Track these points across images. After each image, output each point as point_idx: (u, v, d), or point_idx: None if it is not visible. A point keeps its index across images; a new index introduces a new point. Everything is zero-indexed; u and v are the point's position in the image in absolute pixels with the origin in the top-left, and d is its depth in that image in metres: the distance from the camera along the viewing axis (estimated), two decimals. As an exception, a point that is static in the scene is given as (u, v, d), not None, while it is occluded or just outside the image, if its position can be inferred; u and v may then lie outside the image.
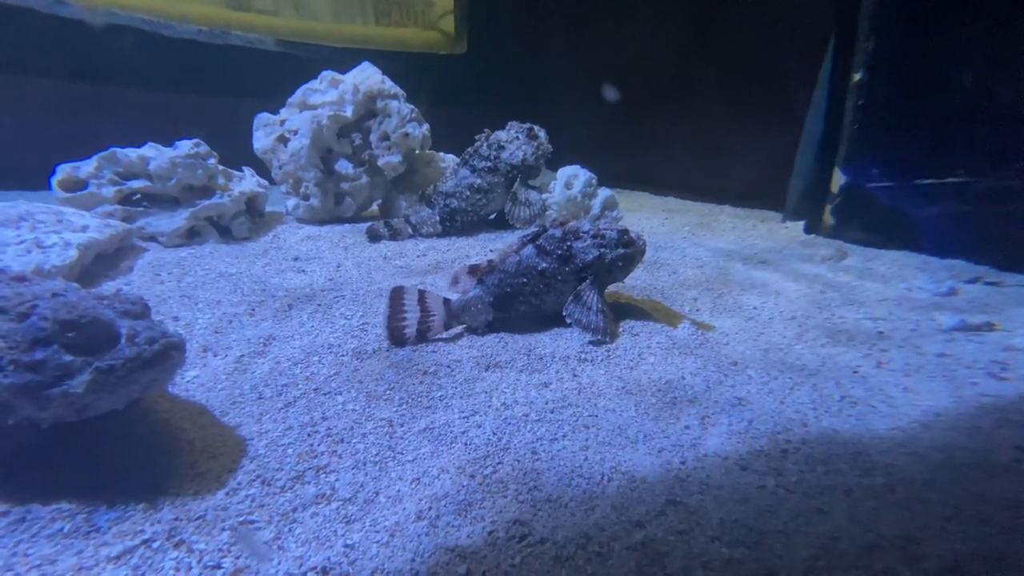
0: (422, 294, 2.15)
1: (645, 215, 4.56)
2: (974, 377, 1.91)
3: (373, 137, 3.77)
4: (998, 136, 3.15)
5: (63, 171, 3.07)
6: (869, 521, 1.24)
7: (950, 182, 3.34)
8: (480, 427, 1.62)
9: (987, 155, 3.20)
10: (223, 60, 4.93)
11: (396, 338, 2.09)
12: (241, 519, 1.29)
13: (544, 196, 3.77)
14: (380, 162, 3.75)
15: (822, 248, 3.48)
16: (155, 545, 1.21)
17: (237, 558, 1.19)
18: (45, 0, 4.09)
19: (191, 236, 3.20)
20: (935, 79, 3.31)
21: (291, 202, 3.73)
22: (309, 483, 1.42)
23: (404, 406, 1.74)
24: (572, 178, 3.90)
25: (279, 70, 4.56)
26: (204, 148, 3.28)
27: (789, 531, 1.22)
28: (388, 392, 1.81)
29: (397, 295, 2.12)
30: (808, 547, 1.17)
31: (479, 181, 3.64)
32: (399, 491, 1.39)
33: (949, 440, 1.54)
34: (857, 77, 3.51)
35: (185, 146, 3.21)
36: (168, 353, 1.40)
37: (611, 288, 2.43)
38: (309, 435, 1.59)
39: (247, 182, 3.45)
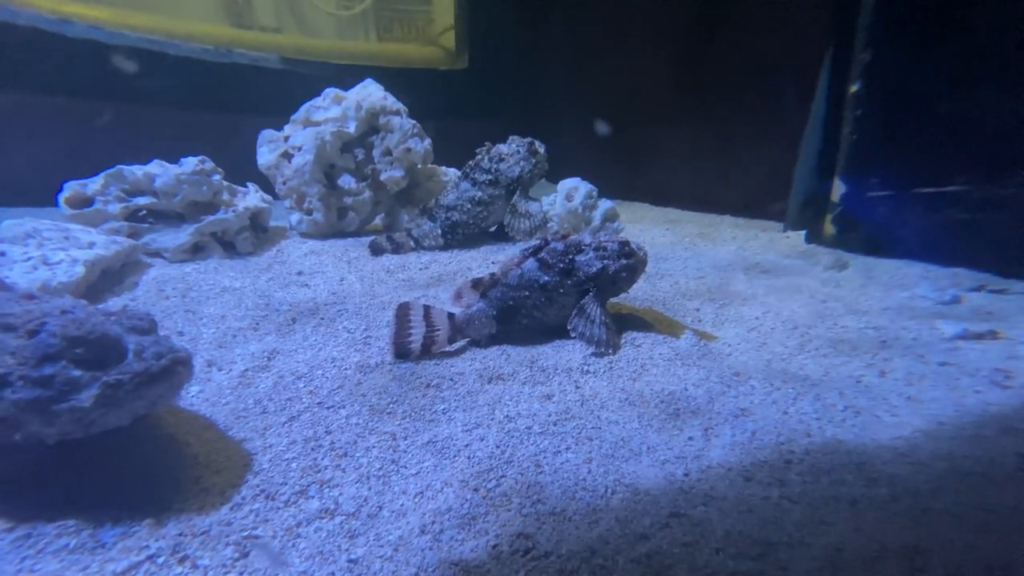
0: (427, 309, 2.17)
1: (646, 226, 4.58)
2: (977, 386, 1.91)
3: (376, 152, 3.81)
4: (997, 144, 3.17)
5: (70, 188, 3.11)
6: (874, 531, 1.24)
7: (951, 190, 3.35)
8: (483, 440, 1.63)
9: (987, 163, 3.21)
10: (228, 78, 5.00)
11: (401, 353, 2.10)
12: (245, 534, 1.30)
13: (545, 208, 3.79)
14: (383, 177, 3.78)
15: (823, 257, 3.49)
16: (160, 561, 1.21)
17: (241, 573, 1.20)
18: (50, 19, 4.17)
19: (196, 251, 3.23)
20: (932, 89, 3.34)
21: (295, 217, 3.77)
22: (313, 497, 1.42)
23: (407, 419, 1.75)
24: (573, 190, 3.92)
25: (283, 87, 4.62)
26: (209, 164, 3.32)
27: (794, 542, 1.21)
28: (391, 405, 1.82)
29: (403, 311, 2.13)
30: (813, 558, 1.17)
31: (480, 194, 3.66)
32: (403, 505, 1.40)
33: (953, 449, 1.53)
34: (854, 88, 3.54)
35: (191, 163, 3.25)
36: (175, 368, 1.41)
37: (613, 299, 2.44)
38: (313, 449, 1.60)
39: (251, 197, 3.48)
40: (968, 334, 2.32)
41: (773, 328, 2.44)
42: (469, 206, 3.65)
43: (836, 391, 1.87)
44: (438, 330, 2.15)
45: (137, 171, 3.19)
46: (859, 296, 2.86)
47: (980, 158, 3.23)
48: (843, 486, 1.39)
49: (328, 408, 1.80)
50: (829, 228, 3.78)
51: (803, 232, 4.02)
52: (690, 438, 1.63)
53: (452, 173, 4.15)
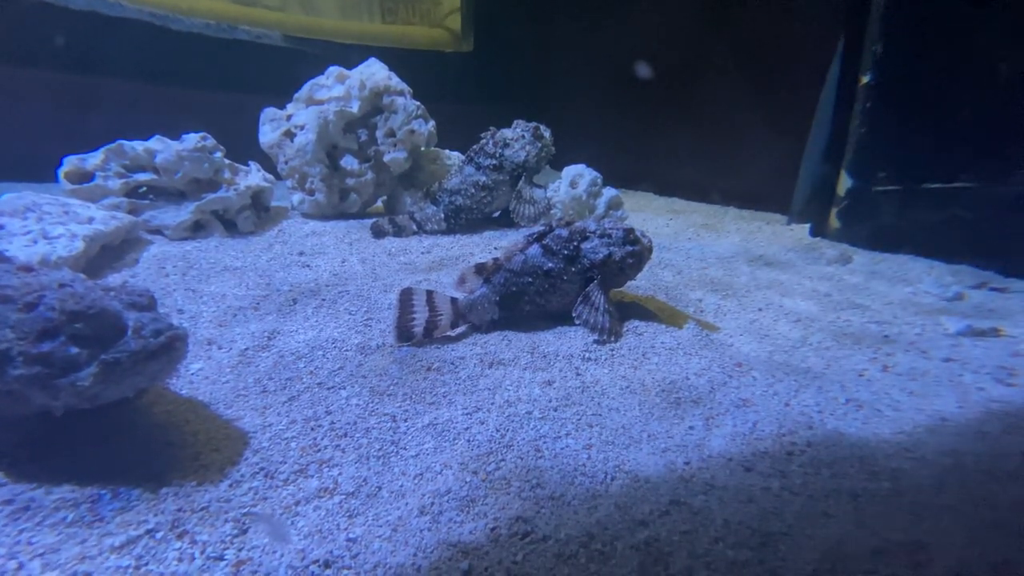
0: (430, 294, 2.15)
1: (650, 215, 4.55)
2: (981, 382, 1.90)
3: (379, 133, 3.77)
4: (1005, 141, 3.14)
5: (70, 163, 3.07)
6: (875, 525, 1.23)
7: (957, 187, 3.32)
8: (483, 424, 1.62)
9: (994, 160, 3.18)
10: (231, 54, 4.93)
11: (404, 337, 2.08)
12: (244, 511, 1.29)
13: (549, 195, 3.76)
14: (386, 158, 3.74)
15: (827, 251, 3.47)
16: (158, 535, 1.21)
17: (240, 550, 1.19)
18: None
19: (196, 229, 3.20)
20: (943, 83, 3.30)
21: (296, 197, 3.74)
22: (312, 476, 1.42)
23: (408, 402, 1.74)
24: (577, 177, 3.88)
25: (286, 65, 4.56)
26: (211, 142, 3.28)
27: (794, 534, 1.21)
28: (392, 387, 1.81)
29: (406, 296, 2.12)
30: (813, 550, 1.16)
31: (484, 179, 3.63)
32: (402, 486, 1.39)
33: (956, 445, 1.53)
34: (865, 80, 3.49)
35: (192, 139, 3.22)
36: (173, 345, 1.40)
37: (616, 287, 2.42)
38: (312, 429, 1.59)
39: (253, 176, 3.45)
40: (971, 331, 2.31)
41: (776, 320, 2.43)
42: (473, 191, 3.62)
43: (838, 384, 1.87)
44: (441, 315, 2.14)
45: (138, 146, 3.15)
46: (863, 290, 2.85)
47: (989, 154, 3.20)
48: (845, 479, 1.39)
49: (328, 389, 1.79)
50: (834, 222, 3.75)
51: (808, 225, 3.99)
52: (691, 427, 1.62)
53: (456, 157, 4.11)
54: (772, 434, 1.58)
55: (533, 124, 3.76)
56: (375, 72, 3.78)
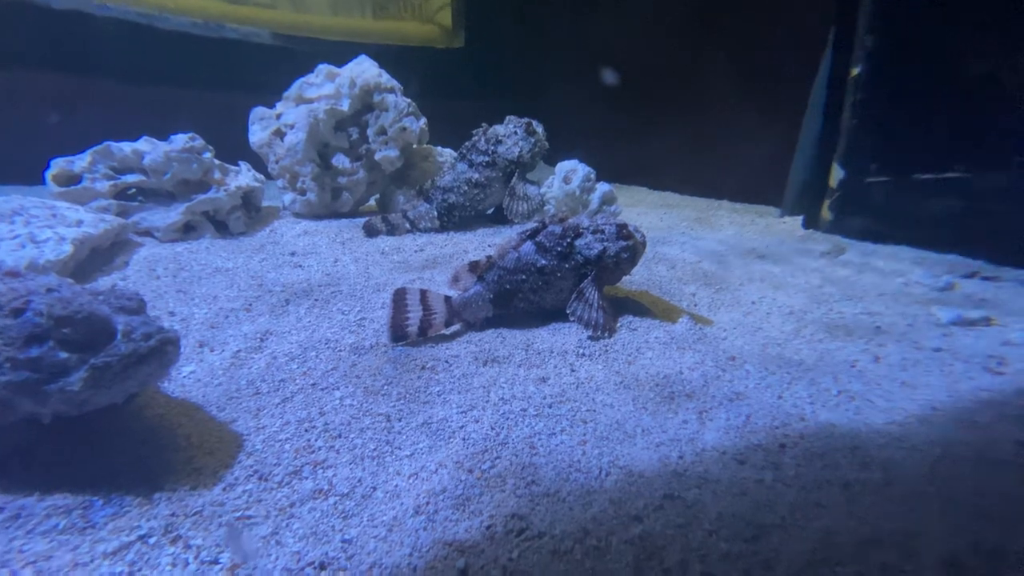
0: (424, 293, 2.15)
1: (644, 210, 4.55)
2: (971, 372, 1.92)
3: (370, 131, 3.75)
4: (996, 132, 3.15)
5: (57, 165, 3.04)
6: (867, 515, 1.24)
7: (948, 177, 3.34)
8: (478, 422, 1.62)
9: (985, 151, 3.20)
10: (219, 53, 4.89)
11: (398, 336, 2.08)
12: (238, 514, 1.29)
13: (542, 191, 3.76)
14: (377, 156, 3.72)
15: (820, 243, 3.48)
16: (152, 541, 1.20)
17: (234, 554, 1.19)
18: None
19: (187, 231, 3.18)
20: (934, 75, 3.31)
21: (288, 197, 3.71)
22: (307, 478, 1.41)
23: (402, 401, 1.74)
24: (570, 173, 3.88)
25: (275, 64, 4.53)
26: (200, 142, 3.26)
27: (787, 525, 1.22)
28: (386, 387, 1.80)
29: (400, 295, 2.11)
30: (806, 541, 1.17)
31: (477, 176, 3.62)
32: (397, 486, 1.39)
33: (947, 434, 1.54)
34: (856, 72, 3.50)
35: (180, 140, 3.19)
36: (164, 348, 1.39)
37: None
38: (306, 430, 1.59)
39: (243, 176, 3.43)
40: (962, 320, 2.33)
41: (769, 313, 2.44)
42: (466, 188, 3.61)
43: (831, 376, 1.88)
44: (435, 313, 2.13)
45: (125, 148, 3.12)
46: (855, 282, 2.86)
47: (980, 145, 3.22)
48: (837, 470, 1.40)
49: (322, 389, 1.79)
50: (826, 214, 3.76)
51: (800, 218, 4.01)
52: (684, 421, 1.63)
53: (448, 154, 4.10)
54: (765, 427, 1.59)
55: (525, 120, 3.75)
56: (365, 69, 3.76)
